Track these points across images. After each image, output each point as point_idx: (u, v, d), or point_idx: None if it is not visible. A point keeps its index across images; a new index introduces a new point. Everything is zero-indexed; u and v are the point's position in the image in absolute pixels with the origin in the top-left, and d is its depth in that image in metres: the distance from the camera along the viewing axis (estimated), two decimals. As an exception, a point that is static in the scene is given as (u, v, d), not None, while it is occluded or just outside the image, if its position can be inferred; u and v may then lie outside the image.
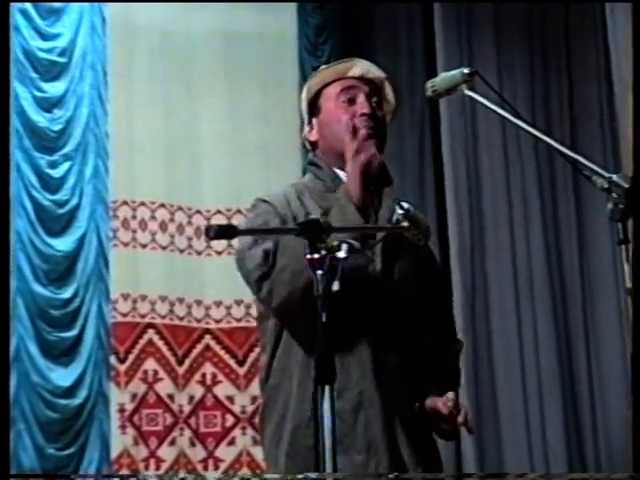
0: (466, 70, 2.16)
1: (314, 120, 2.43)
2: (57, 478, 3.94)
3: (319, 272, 1.86)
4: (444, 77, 2.21)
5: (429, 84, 2.21)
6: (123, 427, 4.55)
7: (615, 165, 4.68)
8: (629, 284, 1.88)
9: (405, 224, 2.11)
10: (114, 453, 4.47)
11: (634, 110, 2.96)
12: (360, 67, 2.42)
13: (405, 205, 2.11)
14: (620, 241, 1.87)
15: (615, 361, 4.88)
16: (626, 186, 1.88)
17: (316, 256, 1.87)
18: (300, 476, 2.12)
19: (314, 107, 2.44)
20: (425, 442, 2.32)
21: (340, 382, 2.02)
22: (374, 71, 2.43)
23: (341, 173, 2.38)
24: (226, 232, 1.99)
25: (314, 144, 2.44)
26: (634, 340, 1.85)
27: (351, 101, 2.39)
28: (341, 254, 1.90)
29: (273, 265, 2.25)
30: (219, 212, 4.90)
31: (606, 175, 1.91)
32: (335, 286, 1.91)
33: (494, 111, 2.10)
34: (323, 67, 2.48)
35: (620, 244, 1.87)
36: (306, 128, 2.46)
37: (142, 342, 4.67)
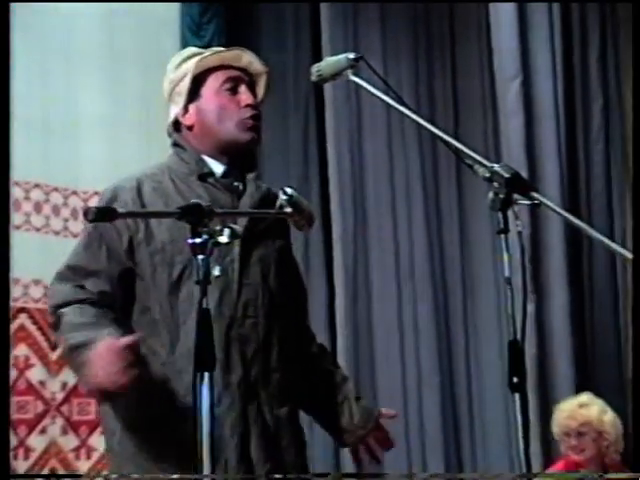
0: (351, 55, 2.17)
1: (192, 104, 2.41)
2: (57, 478, 3.81)
3: (200, 257, 1.83)
4: (329, 62, 2.21)
5: (314, 69, 2.21)
6: (-9, 415, 4.40)
7: (496, 155, 4.76)
8: (507, 273, 1.90)
9: (288, 210, 2.10)
10: (-20, 443, 4.33)
11: (634, 116, 3.00)
12: (245, 59, 2.44)
13: (288, 191, 2.12)
14: (500, 230, 1.90)
15: (492, 348, 4.98)
16: (506, 176, 1.90)
17: (197, 241, 1.85)
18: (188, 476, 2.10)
19: (193, 92, 2.41)
20: (286, 445, 2.32)
21: (190, 377, 2.02)
22: (256, 65, 2.46)
23: (207, 159, 2.39)
24: (105, 214, 1.95)
25: (189, 127, 2.42)
26: (634, 341, 1.87)
27: (233, 90, 2.41)
28: (223, 239, 1.88)
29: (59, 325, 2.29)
30: (96, 194, 4.77)
31: (488, 165, 1.94)
32: (216, 271, 1.89)
33: (378, 97, 2.10)
34: (205, 52, 2.46)
35: (499, 233, 1.89)
36: (179, 111, 2.43)
37: (13, 327, 4.53)
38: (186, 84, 2.41)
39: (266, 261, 2.37)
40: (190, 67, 2.41)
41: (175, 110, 2.44)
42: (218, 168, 2.40)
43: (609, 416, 3.90)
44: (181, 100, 2.42)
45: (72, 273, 2.34)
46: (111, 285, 2.31)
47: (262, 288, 2.34)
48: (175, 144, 2.45)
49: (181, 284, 2.27)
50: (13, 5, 4.59)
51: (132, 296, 2.33)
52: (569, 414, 3.90)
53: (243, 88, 2.41)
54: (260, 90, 2.47)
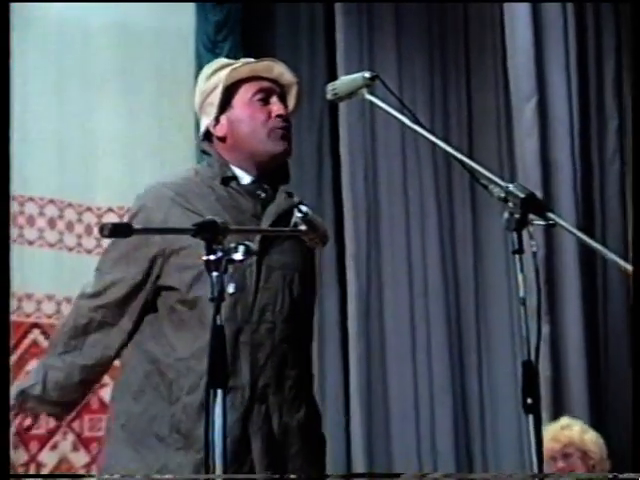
0: (367, 74, 2.17)
1: (223, 116, 2.42)
2: (57, 478, 3.81)
3: (214, 274, 1.83)
4: (345, 80, 2.22)
5: (330, 87, 2.22)
6: (3, 431, 4.40)
7: (510, 175, 4.76)
8: (522, 293, 1.89)
9: (303, 228, 2.11)
10: (-9, 457, 4.32)
11: (633, 117, 2.99)
12: (277, 70, 2.45)
13: (303, 209, 2.13)
14: (515, 250, 1.89)
15: (505, 367, 4.96)
16: (522, 196, 1.90)
17: (212, 257, 1.85)
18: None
19: (224, 103, 2.42)
20: (295, 452, 2.31)
21: (195, 377, 2.16)
22: (287, 75, 2.47)
23: (235, 168, 2.40)
24: (121, 230, 1.95)
25: (220, 138, 2.43)
26: (634, 341, 1.86)
27: (265, 101, 2.42)
28: (238, 256, 1.88)
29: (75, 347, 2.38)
30: (111, 210, 4.79)
31: (503, 185, 1.93)
32: (230, 288, 1.89)
33: (393, 116, 2.11)
34: (236, 64, 2.47)
35: (514, 253, 1.89)
36: (210, 122, 2.44)
37: (26, 342, 4.53)
38: (217, 95, 2.42)
39: (290, 267, 2.37)
40: (221, 78, 2.42)
41: (206, 121, 2.45)
42: (245, 178, 2.41)
43: (591, 435, 3.89)
44: (213, 111, 2.43)
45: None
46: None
47: (282, 294, 2.34)
48: (202, 151, 2.49)
49: (199, 285, 2.26)
50: (29, 24, 4.65)
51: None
52: (552, 437, 3.88)
53: (274, 99, 2.42)
54: (291, 101, 2.49)
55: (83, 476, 4.16)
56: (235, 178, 2.40)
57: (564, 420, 3.96)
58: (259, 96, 2.42)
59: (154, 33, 5.00)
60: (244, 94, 2.42)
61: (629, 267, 1.89)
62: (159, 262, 2.33)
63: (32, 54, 4.68)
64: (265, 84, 2.43)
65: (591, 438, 3.87)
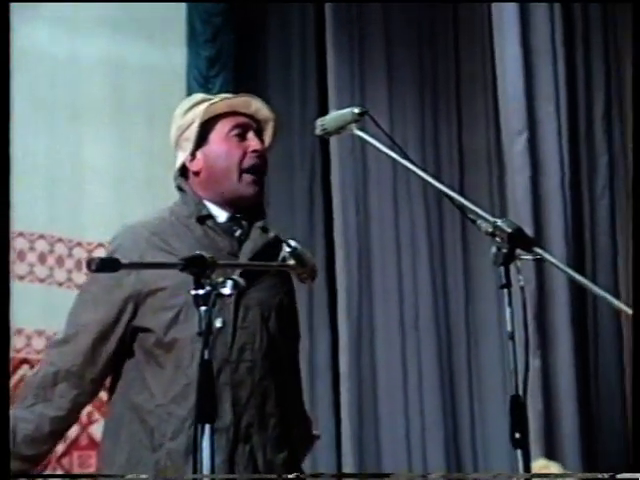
0: (356, 109, 2.17)
1: (199, 151, 2.42)
2: (58, 478, 3.78)
3: (203, 308, 1.83)
4: (334, 116, 2.22)
5: (319, 122, 2.22)
6: (-10, 467, 4.36)
7: (501, 211, 4.77)
8: (510, 328, 1.90)
9: (291, 262, 2.11)
10: (-20, 494, 4.29)
11: (634, 117, 3.00)
12: (254, 105, 2.44)
13: (292, 243, 2.13)
14: (502, 285, 1.90)
15: (496, 401, 4.94)
16: (509, 231, 1.91)
17: (200, 292, 1.85)
18: None
19: (201, 138, 2.42)
20: None
21: (177, 422, 2.15)
22: (264, 111, 2.46)
23: (210, 205, 2.39)
24: (109, 265, 1.95)
25: (196, 173, 2.43)
26: (634, 342, 1.86)
27: (241, 136, 2.41)
28: (226, 290, 1.88)
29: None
30: (101, 245, 4.78)
31: (491, 219, 1.94)
32: (218, 323, 1.89)
33: (382, 151, 2.11)
34: (214, 99, 2.47)
35: (502, 288, 1.89)
36: (186, 157, 2.43)
37: (16, 378, 4.50)
38: (194, 130, 2.41)
39: (266, 304, 2.36)
40: (198, 113, 2.42)
41: (182, 156, 2.45)
42: (221, 215, 2.40)
43: (569, 477, 3.89)
44: (189, 146, 2.42)
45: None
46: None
47: (261, 331, 2.33)
48: (179, 188, 2.47)
49: (177, 327, 2.26)
50: (19, 57, 4.66)
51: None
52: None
53: (251, 134, 2.41)
54: (268, 136, 2.48)
55: (83, 476, 4.12)
56: (211, 216, 2.39)
57: (541, 461, 3.95)
58: (236, 131, 2.41)
59: (145, 68, 5.02)
60: (221, 129, 2.41)
61: (616, 302, 1.89)
62: (132, 304, 2.31)
63: (21, 88, 4.68)
64: (242, 119, 2.42)
65: (570, 478, 3.87)
